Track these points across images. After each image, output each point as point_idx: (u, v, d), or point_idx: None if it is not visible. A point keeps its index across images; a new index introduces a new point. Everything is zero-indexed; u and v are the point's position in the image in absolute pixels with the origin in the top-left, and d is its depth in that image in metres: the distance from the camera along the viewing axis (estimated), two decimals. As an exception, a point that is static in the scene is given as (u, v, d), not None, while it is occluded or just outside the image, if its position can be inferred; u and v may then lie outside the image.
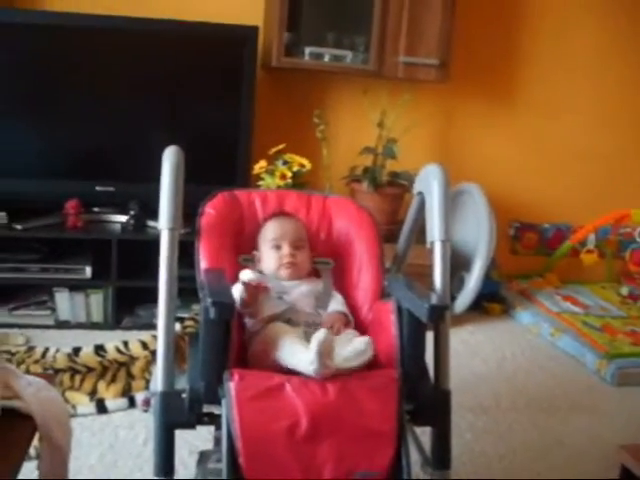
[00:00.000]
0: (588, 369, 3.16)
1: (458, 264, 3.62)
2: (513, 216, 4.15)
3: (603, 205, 4.06)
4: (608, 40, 4.05)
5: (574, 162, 4.15)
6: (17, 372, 1.38)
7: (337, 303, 1.94)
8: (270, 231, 2.01)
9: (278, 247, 1.98)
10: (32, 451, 1.84)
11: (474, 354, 3.23)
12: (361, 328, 1.89)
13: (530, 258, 4.23)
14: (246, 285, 1.77)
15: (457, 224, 3.69)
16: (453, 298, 3.60)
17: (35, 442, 1.42)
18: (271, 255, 1.98)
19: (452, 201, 3.65)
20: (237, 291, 1.76)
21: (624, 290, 4.03)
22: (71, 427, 1.46)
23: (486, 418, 2.63)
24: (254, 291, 1.79)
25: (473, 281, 3.53)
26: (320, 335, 1.59)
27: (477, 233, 3.58)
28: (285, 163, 3.28)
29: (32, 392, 1.35)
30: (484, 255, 3.54)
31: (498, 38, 3.95)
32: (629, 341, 3.33)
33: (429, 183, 1.96)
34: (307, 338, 1.73)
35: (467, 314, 3.61)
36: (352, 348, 1.69)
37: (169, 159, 1.87)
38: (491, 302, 3.82)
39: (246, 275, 1.79)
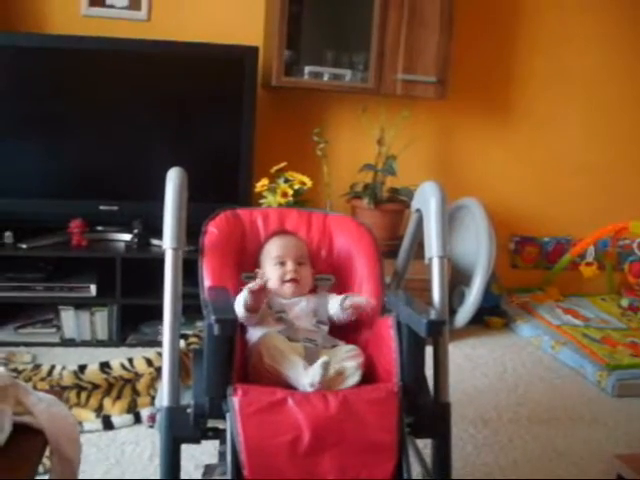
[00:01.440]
0: (588, 381, 3.19)
1: (458, 278, 3.66)
2: (513, 230, 4.19)
3: (602, 218, 4.09)
4: (603, 54, 4.11)
5: (573, 175, 4.20)
6: (28, 388, 1.42)
7: (335, 298, 1.99)
8: (274, 248, 2.05)
9: (282, 263, 2.02)
10: (41, 468, 1.88)
11: (475, 367, 3.26)
12: (362, 343, 1.93)
13: (530, 271, 4.26)
14: (250, 290, 1.82)
15: (457, 239, 3.73)
16: (454, 312, 3.63)
17: (45, 457, 1.45)
18: (275, 271, 2.02)
19: (452, 216, 3.73)
20: (241, 298, 1.82)
21: (624, 302, 4.05)
22: (81, 442, 1.49)
23: (487, 430, 2.66)
24: (258, 294, 1.83)
25: (474, 295, 3.56)
26: (323, 361, 1.67)
27: (477, 247, 3.61)
28: (286, 181, 3.31)
29: (43, 408, 1.38)
30: (484, 269, 3.57)
31: (494, 54, 4.00)
32: (629, 352, 3.36)
33: (426, 200, 2.00)
34: (307, 354, 1.78)
35: (468, 328, 3.65)
36: (340, 370, 1.74)
37: (172, 180, 1.92)
38: (492, 316, 3.85)
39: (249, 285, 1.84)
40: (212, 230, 2.05)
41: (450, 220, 3.65)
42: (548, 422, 2.78)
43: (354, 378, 1.74)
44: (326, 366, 1.68)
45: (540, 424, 2.75)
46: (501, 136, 4.09)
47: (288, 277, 2.00)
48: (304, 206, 3.18)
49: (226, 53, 3.36)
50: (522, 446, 2.57)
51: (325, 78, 3.51)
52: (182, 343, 2.68)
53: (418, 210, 2.10)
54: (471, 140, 4.05)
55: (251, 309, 1.84)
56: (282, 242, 2.06)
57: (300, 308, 1.96)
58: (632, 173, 4.26)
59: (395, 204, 3.60)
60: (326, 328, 1.94)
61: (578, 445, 2.61)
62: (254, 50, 3.37)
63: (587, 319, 3.80)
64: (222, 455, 1.82)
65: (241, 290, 1.87)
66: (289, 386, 1.71)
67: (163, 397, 1.78)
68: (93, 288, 3.21)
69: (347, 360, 1.78)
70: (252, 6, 3.65)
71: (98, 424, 2.48)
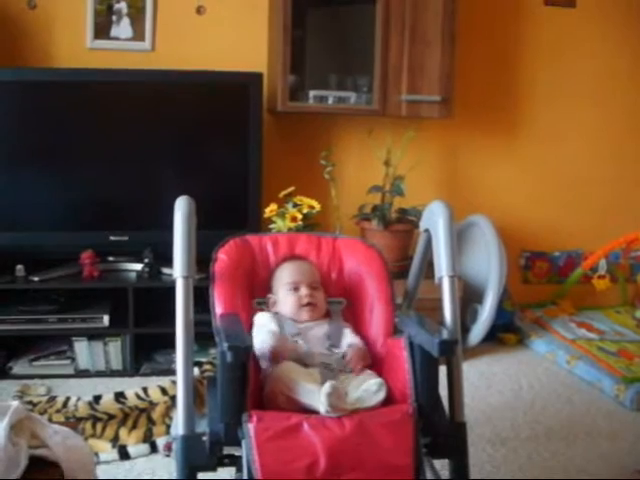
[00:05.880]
0: (606, 395, 3.15)
1: (470, 296, 3.64)
2: (523, 245, 4.18)
3: (612, 230, 4.07)
4: (608, 64, 4.10)
5: (581, 188, 4.18)
6: (43, 421, 1.42)
7: (350, 336, 1.99)
8: (287, 274, 2.06)
9: (296, 289, 2.03)
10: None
11: (491, 385, 3.24)
12: (375, 365, 1.93)
13: (542, 286, 4.24)
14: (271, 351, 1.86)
15: (467, 256, 3.72)
16: (467, 330, 3.62)
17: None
18: (289, 297, 2.02)
19: (462, 234, 3.72)
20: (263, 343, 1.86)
21: (639, 313, 4.02)
22: (97, 473, 1.49)
23: (505, 449, 2.64)
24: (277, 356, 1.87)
25: (486, 312, 3.55)
26: (327, 389, 1.65)
27: (488, 264, 3.60)
28: (295, 205, 3.32)
29: (58, 440, 1.39)
30: (496, 286, 3.56)
31: (498, 70, 4.01)
32: (646, 365, 3.33)
33: (434, 220, 2.01)
34: (323, 379, 1.78)
35: (482, 346, 3.62)
36: (365, 387, 1.74)
37: (180, 209, 1.93)
38: (505, 332, 3.83)
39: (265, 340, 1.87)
40: (222, 257, 2.06)
41: (460, 238, 3.66)
42: (566, 438, 2.75)
43: (381, 393, 1.75)
44: (333, 392, 1.66)
45: (558, 441, 2.72)
46: (508, 152, 4.09)
47: (305, 301, 2.00)
48: (313, 230, 3.19)
49: (231, 80, 3.38)
50: (541, 464, 2.54)
51: (330, 101, 3.52)
52: (196, 371, 2.68)
53: (427, 230, 2.10)
54: (478, 157, 4.05)
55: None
56: (295, 267, 2.07)
57: (315, 332, 1.97)
58: (641, 183, 4.26)
59: (404, 224, 3.60)
60: (340, 352, 1.95)
61: (598, 461, 2.58)
62: (258, 76, 3.38)
63: (602, 332, 3.77)
64: (239, 482, 1.82)
65: (253, 317, 1.88)
66: (307, 412, 1.70)
67: (178, 425, 1.78)
68: (106, 319, 3.21)
69: (368, 379, 1.79)
70: (255, 32, 3.68)
71: (114, 454, 2.48)
